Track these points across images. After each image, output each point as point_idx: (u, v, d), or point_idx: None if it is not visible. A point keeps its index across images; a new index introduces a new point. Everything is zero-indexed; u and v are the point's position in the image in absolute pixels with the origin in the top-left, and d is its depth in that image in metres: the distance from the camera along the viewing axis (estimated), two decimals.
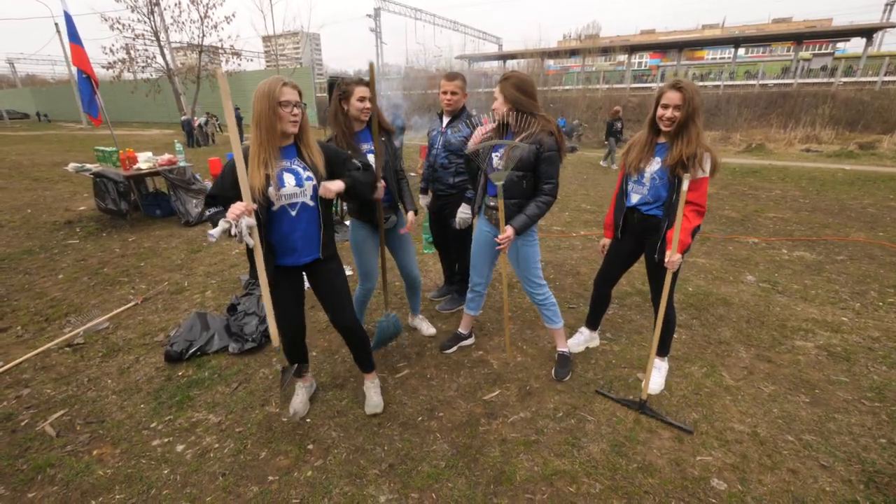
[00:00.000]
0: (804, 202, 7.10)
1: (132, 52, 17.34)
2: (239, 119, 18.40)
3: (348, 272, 4.07)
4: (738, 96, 20.08)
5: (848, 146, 13.75)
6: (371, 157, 2.38)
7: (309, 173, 1.85)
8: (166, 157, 6.02)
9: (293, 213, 1.86)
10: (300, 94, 1.78)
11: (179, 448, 2.08)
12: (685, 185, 1.87)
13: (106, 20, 16.79)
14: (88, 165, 5.85)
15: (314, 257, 1.97)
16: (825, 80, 24.00)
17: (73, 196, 7.43)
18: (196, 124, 16.84)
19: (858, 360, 2.75)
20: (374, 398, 2.31)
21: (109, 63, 17.07)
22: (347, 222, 4.36)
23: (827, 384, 2.51)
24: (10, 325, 3.24)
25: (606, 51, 30.28)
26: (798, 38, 28.61)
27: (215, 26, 18.12)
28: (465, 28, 40.02)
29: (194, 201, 5.82)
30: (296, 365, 2.17)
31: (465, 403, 2.38)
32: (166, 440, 2.12)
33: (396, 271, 2.99)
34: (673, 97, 1.98)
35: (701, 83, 26.67)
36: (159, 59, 17.99)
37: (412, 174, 9.39)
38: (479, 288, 2.69)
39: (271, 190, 1.75)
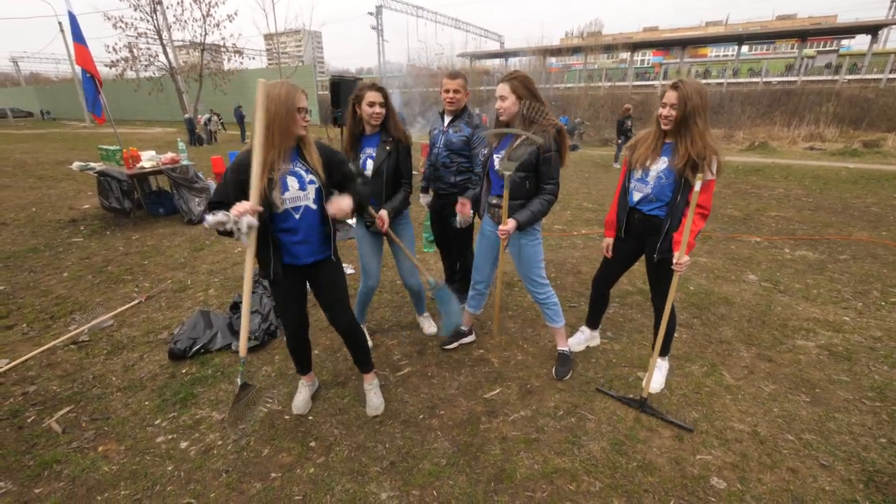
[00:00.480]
0: (807, 201, 7.08)
1: (135, 50, 17.42)
2: (241, 117, 18.41)
3: (349, 271, 4.11)
4: (742, 94, 20.00)
5: (852, 144, 13.70)
6: (370, 163, 2.43)
7: (311, 176, 1.88)
8: (169, 155, 6.06)
9: (297, 216, 1.89)
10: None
11: (183, 445, 2.10)
12: (697, 187, 1.87)
13: (109, 19, 16.87)
14: (92, 164, 5.88)
15: (316, 258, 2.00)
16: (829, 77, 23.84)
17: (77, 194, 7.47)
18: (201, 122, 16.89)
19: (860, 359, 2.75)
20: (374, 400, 2.32)
21: (112, 61, 17.14)
22: (350, 221, 4.38)
23: (828, 384, 2.52)
24: (15, 322, 3.27)
25: (609, 48, 30.16)
26: (802, 36, 28.45)
27: (217, 25, 18.21)
28: (466, 26, 39.95)
29: (197, 200, 5.85)
30: (256, 387, 2.21)
31: (466, 401, 2.40)
32: (170, 437, 2.15)
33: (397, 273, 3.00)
34: (670, 96, 2.01)
35: (704, 81, 26.53)
36: (162, 57, 18.08)
37: (414, 172, 9.33)
38: (480, 286, 2.70)
39: (275, 194, 1.77)
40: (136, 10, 17.06)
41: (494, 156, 2.30)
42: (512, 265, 2.63)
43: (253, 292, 3.33)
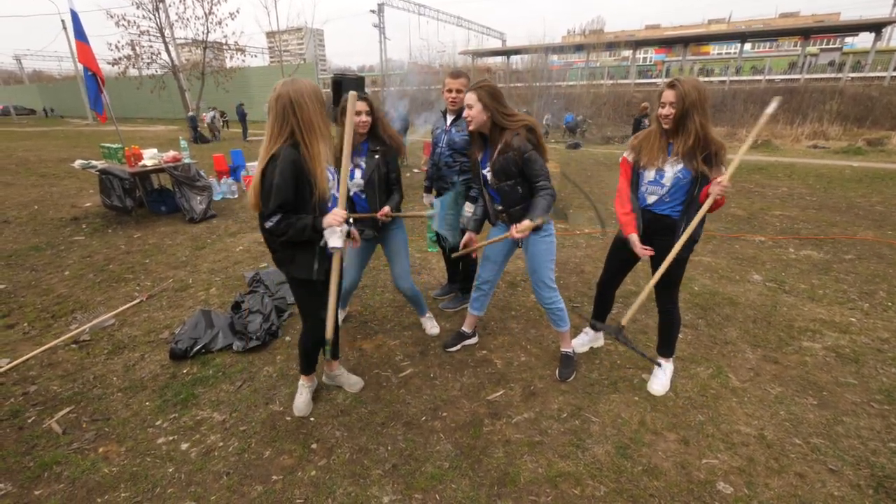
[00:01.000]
0: (811, 200, 7.03)
1: (137, 48, 17.40)
2: (243, 115, 18.36)
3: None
4: (745, 92, 19.93)
5: (856, 142, 13.61)
6: (358, 173, 2.48)
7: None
8: (171, 153, 6.03)
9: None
10: None
11: (184, 446, 2.08)
12: (715, 190, 1.96)
13: (111, 17, 16.85)
14: (94, 162, 5.87)
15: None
16: (833, 75, 23.70)
17: (79, 192, 7.46)
18: (206, 121, 16.91)
19: (867, 361, 2.72)
20: (350, 378, 2.49)
21: (115, 59, 17.14)
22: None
23: (835, 386, 2.49)
24: (17, 321, 3.26)
25: (611, 46, 30.06)
26: (805, 33, 28.31)
27: (220, 22, 18.17)
28: (468, 23, 39.86)
29: (199, 198, 5.83)
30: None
31: (469, 403, 2.37)
32: (171, 438, 2.13)
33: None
34: (668, 95, 2.00)
35: (706, 79, 26.44)
36: (164, 55, 18.04)
37: (416, 171, 9.39)
38: (485, 287, 2.68)
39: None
40: (138, 7, 17.04)
41: (483, 171, 2.33)
42: (514, 265, 2.60)
43: (254, 292, 3.33)
